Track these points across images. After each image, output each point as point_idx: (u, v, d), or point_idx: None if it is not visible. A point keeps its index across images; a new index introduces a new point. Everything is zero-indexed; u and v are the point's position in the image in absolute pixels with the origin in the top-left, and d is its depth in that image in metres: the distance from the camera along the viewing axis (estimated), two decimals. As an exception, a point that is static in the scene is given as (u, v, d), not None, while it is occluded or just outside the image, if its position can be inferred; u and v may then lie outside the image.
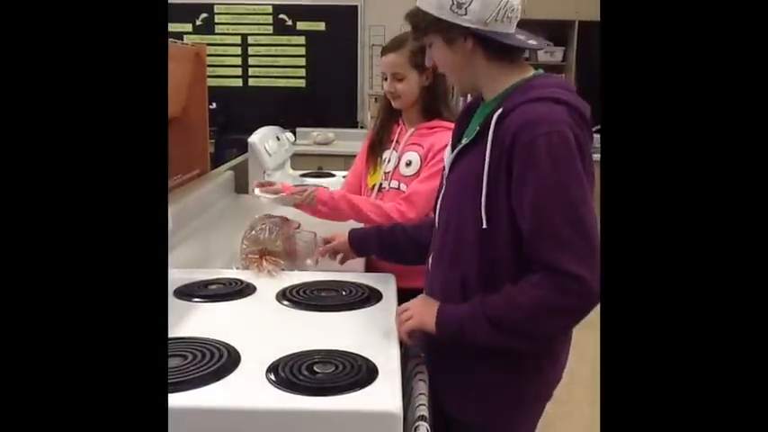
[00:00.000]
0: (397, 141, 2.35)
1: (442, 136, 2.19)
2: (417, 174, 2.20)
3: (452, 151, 1.52)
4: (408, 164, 2.24)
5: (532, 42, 1.46)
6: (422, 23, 1.45)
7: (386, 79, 2.30)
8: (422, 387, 1.43)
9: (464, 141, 1.47)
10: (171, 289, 1.75)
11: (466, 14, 1.38)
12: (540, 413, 1.57)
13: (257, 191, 2.18)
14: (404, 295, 1.76)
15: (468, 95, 1.68)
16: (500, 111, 1.37)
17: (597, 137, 5.45)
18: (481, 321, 1.36)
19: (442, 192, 1.56)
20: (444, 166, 1.58)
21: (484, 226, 1.38)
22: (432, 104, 2.28)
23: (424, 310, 1.48)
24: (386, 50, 2.29)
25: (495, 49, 1.42)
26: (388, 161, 2.34)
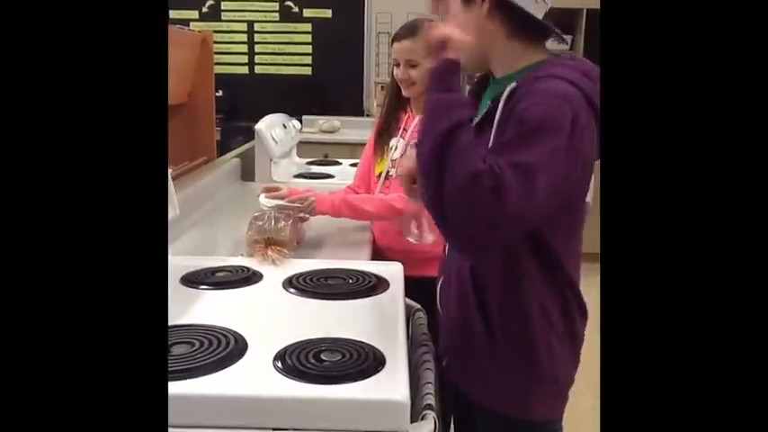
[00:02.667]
0: (404, 129, 2.35)
1: None
2: None
3: None
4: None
5: (557, 30, 1.39)
6: None
7: (397, 65, 2.28)
8: (429, 376, 1.42)
9: (474, 120, 1.40)
10: (177, 276, 1.75)
11: None
12: (562, 398, 1.52)
13: (262, 197, 2.19)
14: (411, 284, 1.76)
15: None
16: (513, 85, 1.32)
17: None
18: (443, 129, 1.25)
19: None
20: None
21: None
22: None
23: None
24: (399, 37, 2.27)
25: (518, 22, 1.35)
26: (395, 149, 2.34)
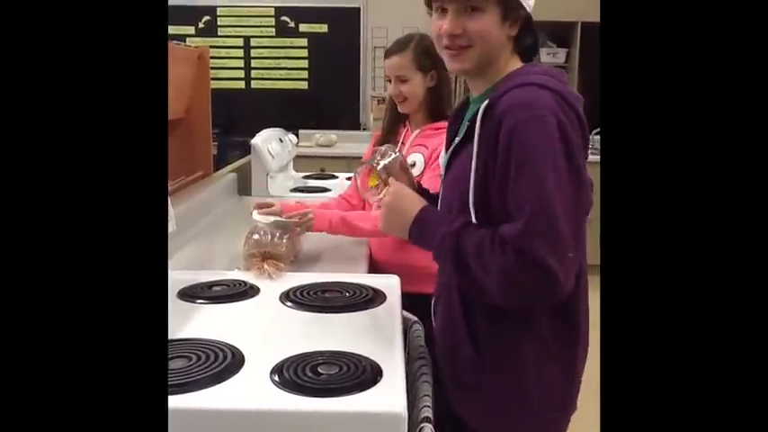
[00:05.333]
0: (402, 143, 2.35)
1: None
2: (422, 175, 2.18)
3: (446, 152, 1.50)
4: (413, 165, 2.21)
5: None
6: None
7: (390, 81, 2.29)
8: (426, 388, 1.42)
9: (456, 140, 1.45)
10: (174, 290, 1.75)
11: None
12: (558, 424, 1.50)
13: (255, 213, 2.19)
14: (407, 299, 1.75)
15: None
16: (486, 102, 1.34)
17: (596, 138, 5.40)
18: (451, 257, 1.35)
19: (441, 194, 1.52)
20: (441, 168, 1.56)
21: (473, 221, 1.35)
22: (437, 106, 2.27)
23: (394, 221, 1.47)
24: (389, 53, 2.28)
25: (526, 43, 1.44)
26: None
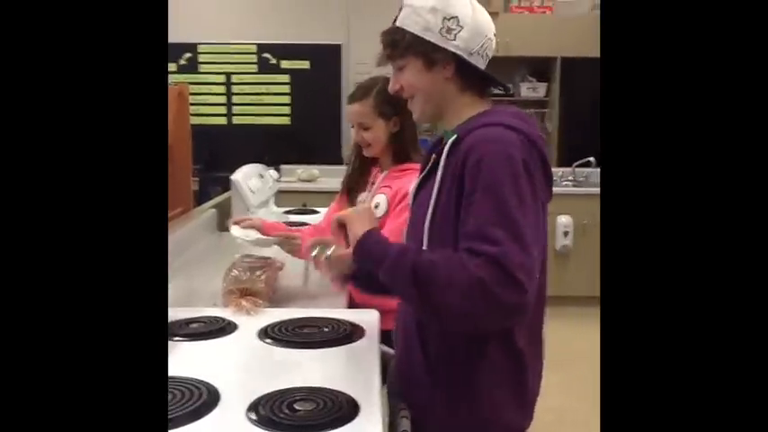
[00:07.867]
0: (373, 183, 2.35)
1: (411, 177, 2.17)
2: (386, 215, 2.17)
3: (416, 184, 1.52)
4: (377, 206, 2.20)
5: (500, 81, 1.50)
6: (402, 43, 1.42)
7: (353, 127, 2.29)
8: (405, 424, 1.41)
9: (423, 173, 1.47)
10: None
11: (455, 40, 1.39)
12: None
13: (233, 229, 2.17)
14: (386, 336, 1.74)
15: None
16: (454, 137, 1.38)
17: (578, 170, 5.37)
18: (406, 272, 1.29)
19: (407, 224, 1.54)
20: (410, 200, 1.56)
21: (424, 247, 1.37)
22: (401, 150, 2.25)
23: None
24: (351, 100, 2.28)
25: (473, 79, 1.44)
26: (363, 203, 2.33)
